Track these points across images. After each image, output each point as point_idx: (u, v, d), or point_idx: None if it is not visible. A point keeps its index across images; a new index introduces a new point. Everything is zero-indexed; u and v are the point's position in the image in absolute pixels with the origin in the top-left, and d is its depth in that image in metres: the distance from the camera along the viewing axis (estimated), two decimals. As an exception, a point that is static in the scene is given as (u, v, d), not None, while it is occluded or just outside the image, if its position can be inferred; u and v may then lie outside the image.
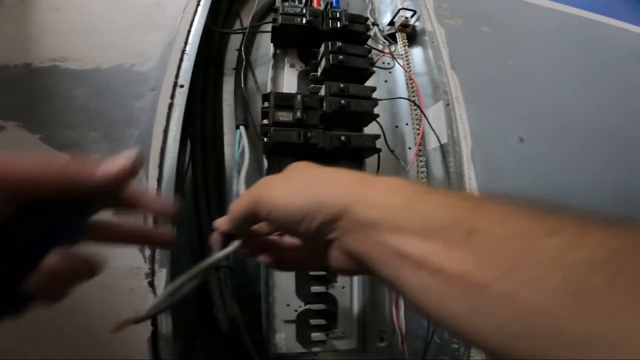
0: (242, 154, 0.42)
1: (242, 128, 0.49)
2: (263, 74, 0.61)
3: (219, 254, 0.27)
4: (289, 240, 0.31)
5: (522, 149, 0.56)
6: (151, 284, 0.35)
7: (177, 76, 0.48)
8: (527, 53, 0.70)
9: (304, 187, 0.24)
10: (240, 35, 0.63)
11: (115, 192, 0.21)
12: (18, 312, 0.20)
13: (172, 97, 0.46)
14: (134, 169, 0.20)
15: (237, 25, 0.66)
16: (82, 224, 0.21)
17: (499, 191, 0.51)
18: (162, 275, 0.36)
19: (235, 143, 0.49)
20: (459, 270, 0.16)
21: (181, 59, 0.50)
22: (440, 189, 0.18)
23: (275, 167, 0.49)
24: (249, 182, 0.49)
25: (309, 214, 0.22)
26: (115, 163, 0.19)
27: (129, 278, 0.35)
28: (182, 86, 0.47)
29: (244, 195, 0.27)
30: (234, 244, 0.28)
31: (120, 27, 0.53)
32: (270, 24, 0.54)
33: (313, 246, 0.26)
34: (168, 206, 0.25)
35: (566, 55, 0.74)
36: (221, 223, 0.29)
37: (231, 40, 0.64)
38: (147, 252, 0.36)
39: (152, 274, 0.36)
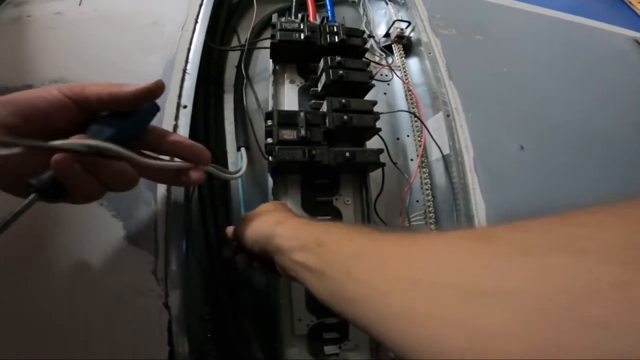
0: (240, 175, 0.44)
1: (243, 150, 0.50)
2: (262, 90, 0.62)
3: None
4: None
5: (523, 156, 0.57)
6: (166, 305, 0.36)
7: (179, 96, 0.48)
8: (519, 59, 0.72)
9: (256, 226, 0.35)
10: (238, 52, 0.64)
11: (145, 101, 0.31)
12: (51, 199, 0.27)
13: (176, 117, 0.47)
14: (157, 88, 0.30)
15: (234, 42, 0.68)
16: (132, 128, 0.31)
17: (503, 200, 0.53)
18: (175, 296, 0.37)
19: (237, 165, 0.50)
20: (316, 267, 0.26)
21: (183, 79, 0.50)
22: (309, 220, 0.34)
23: (280, 185, 0.49)
24: (250, 202, 0.51)
25: (256, 242, 0.34)
26: (145, 84, 0.30)
27: (143, 299, 0.36)
28: (185, 106, 0.48)
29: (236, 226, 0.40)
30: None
31: (119, 47, 0.54)
32: (268, 40, 0.55)
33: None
34: (205, 152, 0.35)
35: (556, 60, 0.77)
36: (229, 230, 0.42)
37: (229, 57, 0.65)
38: (160, 273, 0.37)
39: (165, 295, 0.36)
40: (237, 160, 0.51)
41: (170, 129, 0.45)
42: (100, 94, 0.28)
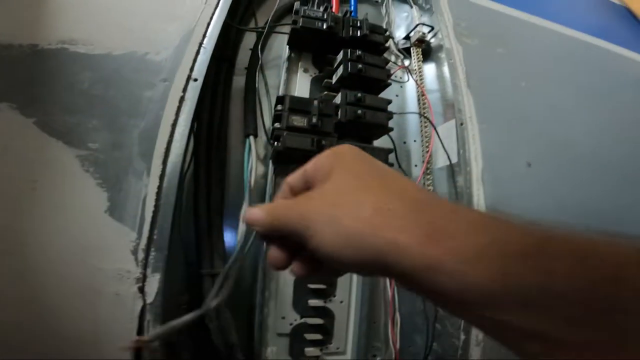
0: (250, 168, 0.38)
1: (251, 138, 0.44)
2: (273, 77, 0.56)
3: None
4: None
5: (529, 173, 0.52)
6: (141, 290, 0.30)
7: (191, 69, 0.43)
8: (538, 76, 0.66)
9: (362, 230, 0.18)
10: (254, 35, 0.58)
11: None
12: None
13: (185, 90, 0.41)
14: None
15: (252, 25, 0.61)
16: None
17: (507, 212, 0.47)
18: (154, 280, 0.31)
19: (245, 154, 0.44)
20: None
21: (198, 52, 0.45)
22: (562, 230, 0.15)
23: (281, 173, 0.44)
24: (258, 197, 0.45)
25: (367, 268, 0.19)
26: None
27: (117, 282, 0.30)
28: (195, 80, 0.42)
29: (293, 205, 0.22)
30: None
31: (138, 14, 0.48)
32: (288, 26, 0.50)
33: None
34: None
35: (573, 80, 0.71)
36: (257, 218, 0.23)
37: (244, 39, 0.59)
38: (140, 254, 0.31)
39: (143, 278, 0.31)
40: (245, 150, 0.44)
41: (177, 102, 0.40)
42: None
